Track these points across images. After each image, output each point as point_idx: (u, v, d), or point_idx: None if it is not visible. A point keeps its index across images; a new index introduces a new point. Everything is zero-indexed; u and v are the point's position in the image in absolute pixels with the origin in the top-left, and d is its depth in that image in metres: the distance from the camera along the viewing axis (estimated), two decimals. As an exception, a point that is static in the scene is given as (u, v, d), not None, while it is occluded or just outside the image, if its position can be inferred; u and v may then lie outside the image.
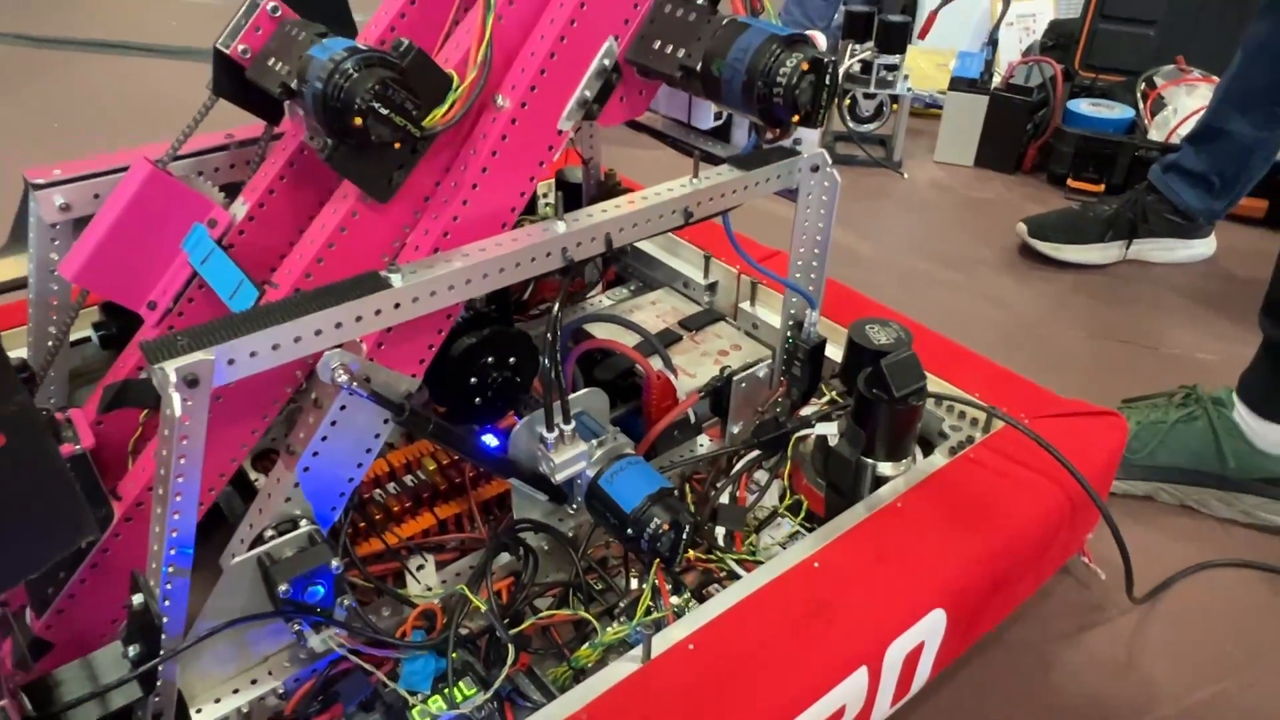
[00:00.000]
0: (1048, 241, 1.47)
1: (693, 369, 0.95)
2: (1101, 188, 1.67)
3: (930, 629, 0.67)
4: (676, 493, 0.72)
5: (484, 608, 0.70)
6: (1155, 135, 1.69)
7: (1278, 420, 0.95)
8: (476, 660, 0.70)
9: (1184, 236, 1.47)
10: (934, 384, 0.89)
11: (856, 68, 1.71)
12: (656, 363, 0.90)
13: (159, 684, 0.57)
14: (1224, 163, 1.38)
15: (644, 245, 1.12)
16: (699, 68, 0.61)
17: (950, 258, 1.52)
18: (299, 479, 0.64)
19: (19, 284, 0.83)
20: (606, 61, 0.65)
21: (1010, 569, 0.75)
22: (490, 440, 0.76)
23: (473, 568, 0.76)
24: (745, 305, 1.03)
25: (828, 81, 0.59)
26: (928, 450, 0.85)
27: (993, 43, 1.77)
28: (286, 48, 0.63)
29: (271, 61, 0.63)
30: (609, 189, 1.05)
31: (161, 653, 0.55)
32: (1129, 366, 1.25)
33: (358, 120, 0.56)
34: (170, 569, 0.55)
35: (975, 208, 1.68)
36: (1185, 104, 1.73)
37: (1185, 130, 1.63)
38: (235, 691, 0.64)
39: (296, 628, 0.63)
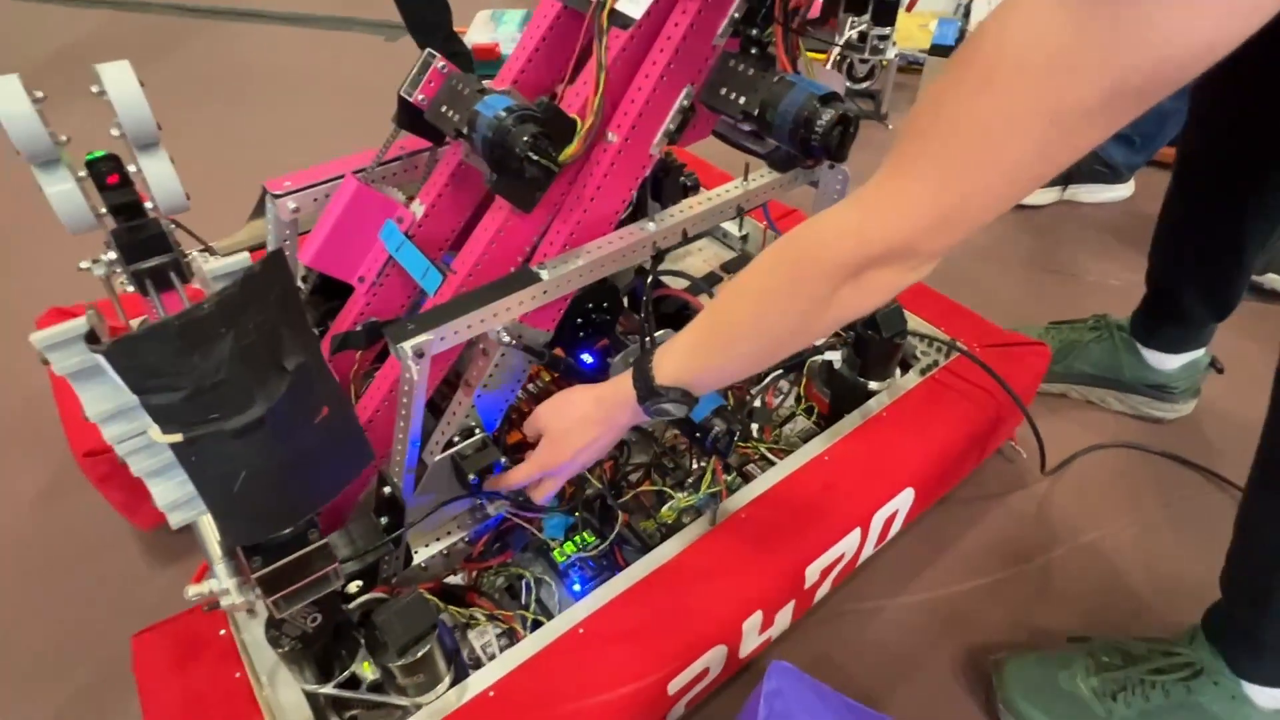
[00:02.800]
0: None
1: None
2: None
3: (903, 501, 0.79)
4: (728, 406, 0.83)
5: (597, 484, 0.82)
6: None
7: (1156, 347, 1.01)
8: (593, 518, 0.83)
9: (1109, 182, 1.49)
10: (911, 320, 0.98)
11: (854, 37, 1.69)
12: (705, 300, 0.99)
13: (403, 543, 0.70)
14: (1144, 125, 1.38)
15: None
16: (756, 113, 0.67)
17: None
18: (475, 402, 0.75)
19: (260, 245, 0.91)
20: (685, 102, 0.71)
21: (959, 458, 0.86)
22: (587, 359, 0.86)
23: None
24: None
25: (852, 130, 0.65)
26: (905, 369, 0.94)
27: (966, 13, 1.72)
28: (456, 99, 0.69)
29: (444, 109, 0.70)
30: (670, 168, 1.10)
31: (407, 521, 0.68)
32: (1058, 292, 1.29)
33: (517, 168, 0.63)
34: (407, 470, 0.67)
35: None
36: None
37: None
38: (438, 539, 0.78)
39: (480, 501, 0.76)
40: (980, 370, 0.87)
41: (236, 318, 0.43)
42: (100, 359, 0.40)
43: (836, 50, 1.69)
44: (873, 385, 0.88)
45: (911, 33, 1.98)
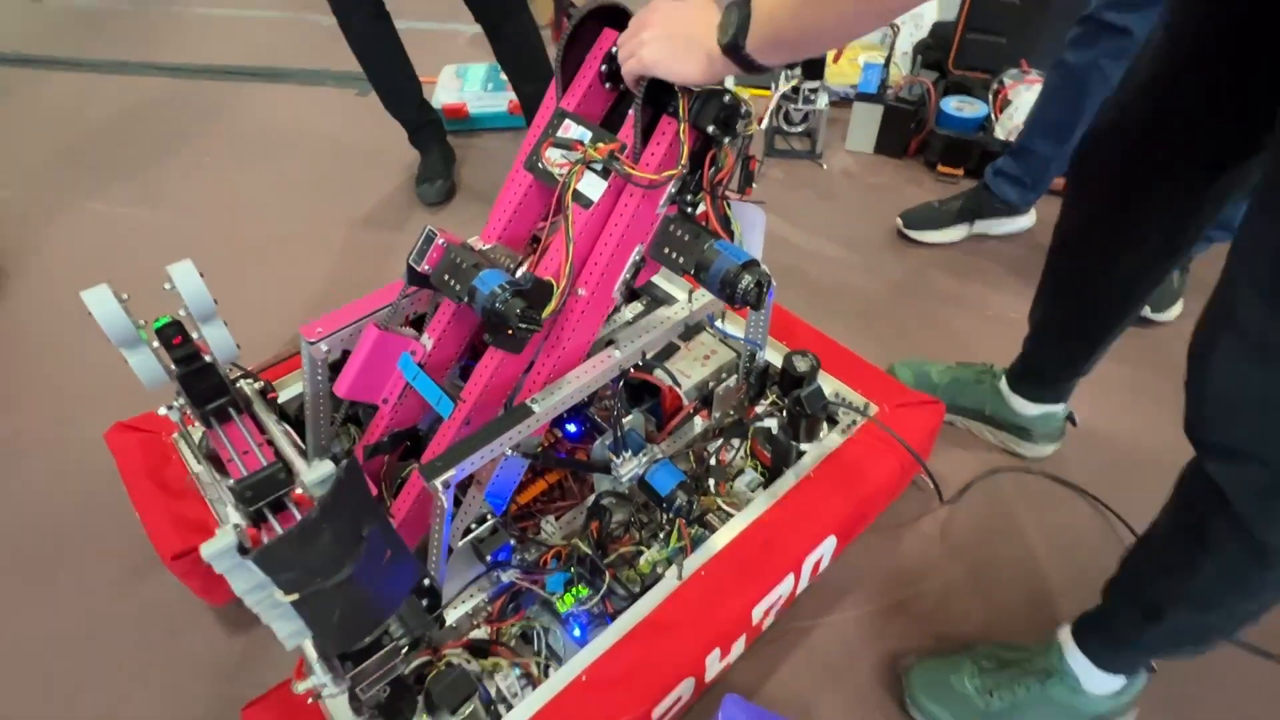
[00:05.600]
0: (915, 229, 1.67)
1: (688, 370, 1.18)
2: (961, 171, 1.85)
3: (826, 547, 0.98)
4: (687, 479, 1.01)
5: (586, 549, 1.00)
6: (1002, 129, 1.84)
7: (1020, 394, 1.18)
8: (586, 573, 1.01)
9: (1010, 215, 1.68)
10: (832, 384, 1.16)
11: (789, 89, 1.85)
12: (667, 379, 1.16)
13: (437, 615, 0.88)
14: (1032, 170, 1.56)
15: (655, 279, 1.34)
16: (693, 271, 0.84)
17: (850, 239, 1.70)
18: (485, 496, 0.92)
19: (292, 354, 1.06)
20: (637, 258, 0.87)
21: (872, 504, 1.05)
22: (571, 428, 1.03)
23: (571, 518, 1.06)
24: (718, 322, 1.28)
25: (766, 286, 0.82)
26: (832, 424, 1.13)
27: (887, 64, 1.88)
28: (456, 271, 0.84)
29: (447, 278, 0.85)
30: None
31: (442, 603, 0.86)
32: (963, 325, 1.48)
33: (509, 330, 0.80)
34: (441, 565, 0.85)
35: (872, 193, 1.84)
36: (1026, 100, 1.86)
37: (1021, 119, 1.79)
38: (463, 602, 0.96)
39: (495, 572, 0.95)
40: (883, 428, 1.06)
41: (332, 514, 0.60)
42: (248, 560, 0.57)
43: (775, 98, 1.85)
44: (804, 448, 1.07)
45: (843, 68, 2.14)
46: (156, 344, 0.86)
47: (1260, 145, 0.73)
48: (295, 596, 0.61)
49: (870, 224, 1.75)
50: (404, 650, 0.78)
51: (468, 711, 0.77)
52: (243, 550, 0.59)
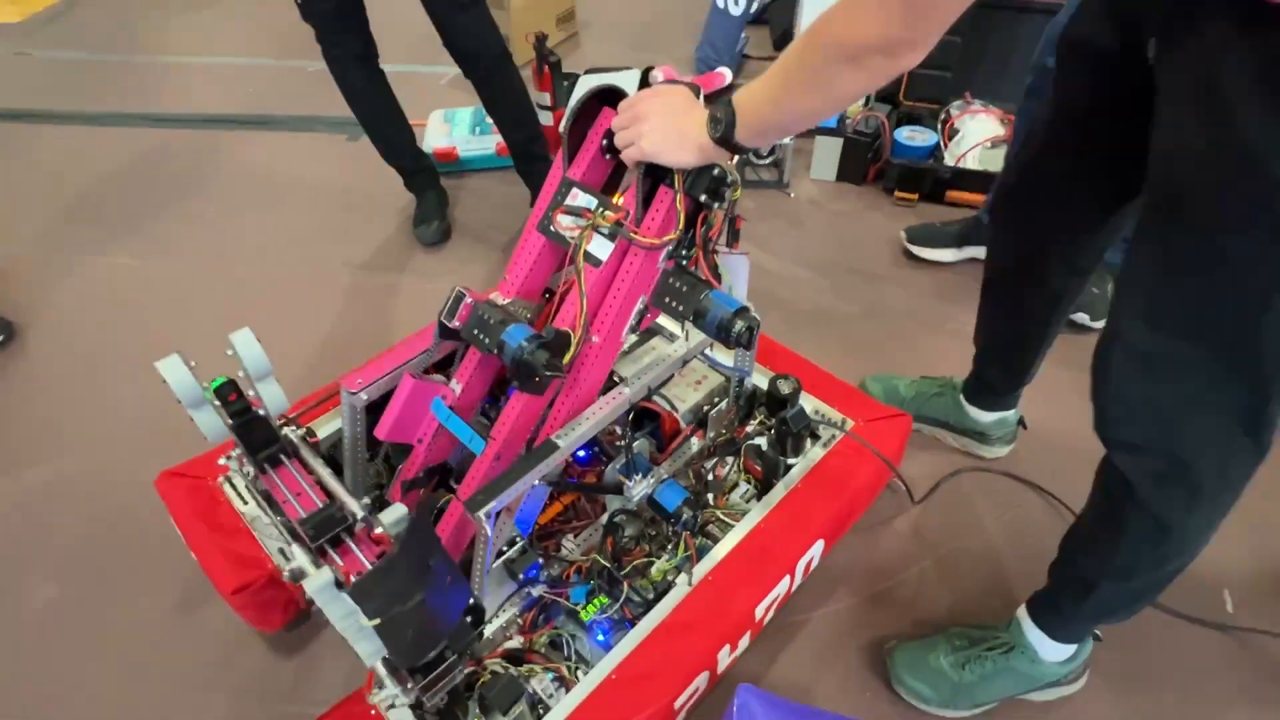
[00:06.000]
0: (918, 245, 1.80)
1: (683, 395, 1.31)
2: (916, 196, 2.00)
3: (816, 550, 1.11)
4: (690, 495, 1.13)
5: (605, 562, 1.12)
6: (951, 156, 2.00)
7: (975, 405, 1.33)
8: (604, 584, 1.13)
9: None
10: (811, 402, 1.30)
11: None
12: (666, 405, 1.28)
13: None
14: None
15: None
16: (691, 318, 0.97)
17: (821, 264, 1.83)
18: (515, 521, 1.04)
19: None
20: (641, 306, 1.00)
21: (853, 509, 1.19)
22: (580, 453, 1.15)
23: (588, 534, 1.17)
24: (707, 350, 1.40)
25: (755, 330, 0.95)
26: (815, 439, 1.26)
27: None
28: (484, 327, 0.96)
29: (476, 332, 0.97)
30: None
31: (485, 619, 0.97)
32: (926, 341, 1.62)
33: (536, 378, 0.92)
34: (484, 586, 0.96)
35: (837, 219, 1.98)
36: (971, 128, 2.03)
37: (967, 147, 1.96)
38: (498, 616, 1.07)
39: (526, 589, 1.06)
40: (859, 441, 1.20)
41: (406, 550, 0.72)
42: (343, 594, 0.69)
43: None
44: (791, 462, 1.20)
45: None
46: (217, 402, 0.97)
47: (1137, 192, 0.88)
48: (377, 621, 0.73)
49: (837, 249, 1.90)
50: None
51: (517, 712, 0.89)
52: (338, 584, 0.70)
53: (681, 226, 0.93)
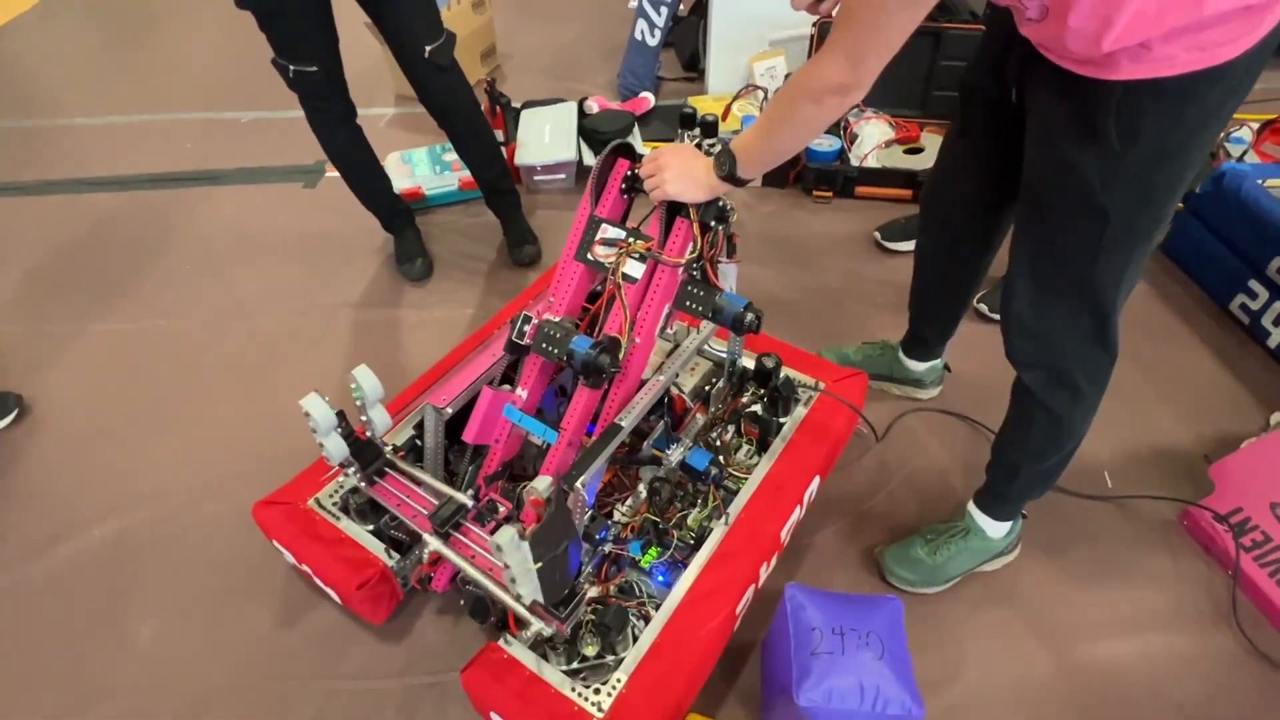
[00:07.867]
0: (891, 241, 2.12)
1: (684, 381, 1.59)
2: (830, 194, 2.36)
3: (814, 485, 1.42)
4: (714, 456, 1.41)
5: (654, 517, 1.38)
6: (855, 157, 2.34)
7: (911, 358, 1.66)
8: (654, 537, 1.39)
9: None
10: (787, 372, 1.60)
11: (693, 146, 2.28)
12: (675, 389, 1.55)
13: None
14: None
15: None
16: (711, 315, 1.24)
17: (762, 257, 2.13)
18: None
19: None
20: (668, 310, 1.27)
21: (835, 450, 1.50)
22: None
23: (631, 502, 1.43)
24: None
25: (761, 320, 1.23)
26: (796, 401, 1.57)
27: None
28: (551, 340, 1.20)
29: (545, 345, 1.21)
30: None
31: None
32: (864, 313, 1.99)
33: (602, 374, 1.17)
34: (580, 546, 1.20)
35: (768, 219, 2.29)
36: (868, 132, 2.39)
37: (868, 149, 2.32)
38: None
39: (599, 547, 1.31)
40: (833, 397, 1.51)
41: (553, 517, 0.96)
42: (524, 543, 0.92)
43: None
44: (781, 420, 1.50)
45: (730, 122, 2.60)
46: (339, 428, 1.17)
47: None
48: (539, 565, 0.97)
49: (772, 244, 2.22)
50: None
51: (625, 631, 1.14)
52: (521, 536, 0.93)
53: (696, 246, 1.21)
